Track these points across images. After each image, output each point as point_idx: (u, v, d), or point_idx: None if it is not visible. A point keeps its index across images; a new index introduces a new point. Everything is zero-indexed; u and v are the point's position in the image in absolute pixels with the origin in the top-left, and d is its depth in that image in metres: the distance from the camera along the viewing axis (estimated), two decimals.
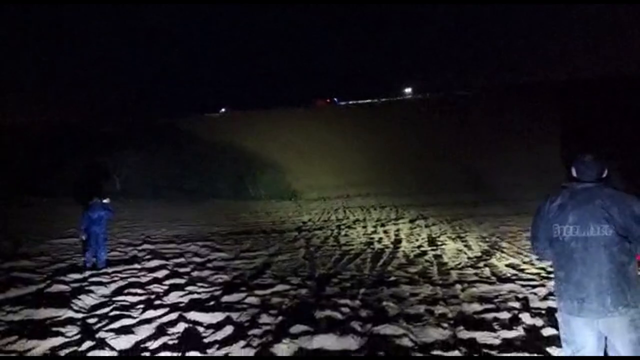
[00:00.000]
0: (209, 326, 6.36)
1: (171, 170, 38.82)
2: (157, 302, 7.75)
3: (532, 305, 7.35)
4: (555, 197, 3.57)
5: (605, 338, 3.44)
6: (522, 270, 10.24)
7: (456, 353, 5.23)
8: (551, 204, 3.54)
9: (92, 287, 8.75)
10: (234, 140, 47.01)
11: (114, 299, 7.97)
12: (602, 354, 3.46)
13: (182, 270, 10.66)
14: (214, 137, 47.27)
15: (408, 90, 79.15)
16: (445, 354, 5.24)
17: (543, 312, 6.93)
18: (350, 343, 5.58)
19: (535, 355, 4.72)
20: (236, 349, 5.42)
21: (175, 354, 5.20)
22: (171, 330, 6.16)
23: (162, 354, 5.28)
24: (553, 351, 5.21)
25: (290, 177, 41.41)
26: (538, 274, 9.80)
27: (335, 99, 78.16)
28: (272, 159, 44.16)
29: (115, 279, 9.58)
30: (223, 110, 76.24)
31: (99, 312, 7.17)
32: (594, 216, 3.36)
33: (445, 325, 6.33)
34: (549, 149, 42.29)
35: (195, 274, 10.24)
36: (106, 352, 5.33)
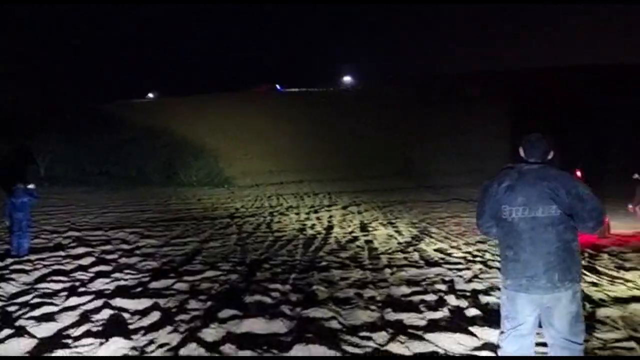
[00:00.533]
0: (135, 312, 6.24)
1: (99, 155, 37.66)
2: (82, 289, 7.55)
3: (457, 287, 7.57)
4: (503, 178, 3.64)
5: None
6: (449, 255, 10.54)
7: (383, 334, 5.34)
8: (500, 185, 3.61)
9: (14, 275, 8.46)
10: (163, 125, 45.89)
11: (36, 286, 7.73)
12: (536, 329, 3.63)
13: (109, 257, 10.43)
14: (142, 122, 45.99)
15: (347, 78, 78.99)
16: (373, 334, 5.34)
17: (468, 294, 7.16)
18: (279, 326, 5.60)
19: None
20: (162, 335, 5.35)
21: (99, 340, 5.09)
22: (95, 317, 6.01)
23: (85, 340, 5.16)
24: (476, 330, 5.39)
25: (223, 164, 40.98)
26: (464, 257, 10.11)
27: (278, 86, 76.48)
28: (203, 144, 43.49)
29: (38, 266, 9.29)
30: (150, 95, 72.61)
31: (19, 300, 6.92)
32: (541, 197, 3.48)
33: (374, 307, 6.44)
34: (478, 138, 43.49)
35: (122, 260, 10.04)
36: (26, 340, 5.17)
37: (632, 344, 5.11)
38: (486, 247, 11.44)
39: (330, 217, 18.78)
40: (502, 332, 3.73)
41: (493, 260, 9.69)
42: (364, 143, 47.50)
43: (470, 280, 7.98)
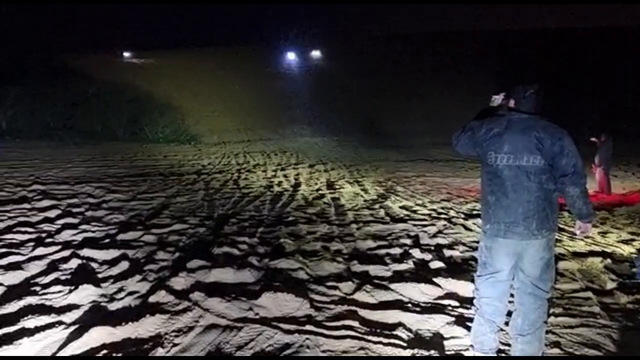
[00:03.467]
0: (103, 262, 6.25)
1: (63, 110, 36.76)
2: (49, 240, 7.48)
3: (422, 242, 7.75)
4: (491, 124, 3.71)
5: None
6: (414, 212, 10.70)
7: (349, 284, 5.46)
8: (489, 132, 3.68)
9: None
10: (127, 80, 44.87)
11: (2, 237, 7.62)
12: (512, 277, 3.77)
13: (75, 210, 10.29)
14: (105, 77, 44.80)
15: (316, 53, 73.66)
16: (339, 284, 5.46)
17: (432, 248, 7.33)
18: (247, 276, 5.68)
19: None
20: (132, 283, 5.39)
21: (68, 287, 5.11)
22: (63, 266, 6.00)
23: (54, 288, 5.16)
24: (439, 281, 5.55)
25: (190, 121, 40.46)
26: (429, 214, 10.28)
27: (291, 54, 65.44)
28: (170, 101, 42.78)
29: (3, 218, 9.12)
30: (126, 54, 66.87)
31: None
32: (528, 146, 3.56)
33: (340, 259, 6.56)
34: (444, 100, 43.74)
35: (89, 213, 9.94)
36: None
37: (589, 294, 5.34)
38: (450, 205, 11.66)
39: (297, 174, 18.82)
40: (479, 276, 3.85)
41: (457, 217, 9.89)
42: (331, 103, 47.33)
43: (434, 236, 8.17)
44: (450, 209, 11.09)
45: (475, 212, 10.34)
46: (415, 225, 9.04)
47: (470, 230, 8.61)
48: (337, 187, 15.33)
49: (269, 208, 11.16)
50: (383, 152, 29.38)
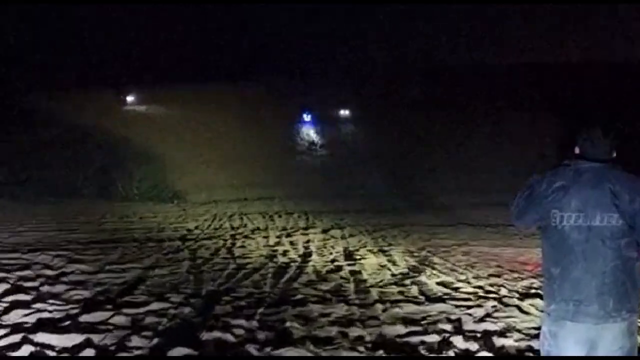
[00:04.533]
0: (62, 350, 6.23)
1: (14, 159, 37.17)
2: None
3: (465, 327, 7.66)
4: (554, 176, 3.61)
5: None
6: (456, 289, 10.61)
7: None
8: (550, 185, 3.57)
9: None
10: (97, 123, 45.13)
11: None
12: None
13: (28, 284, 10.30)
14: (70, 117, 45.11)
15: (344, 112, 73.04)
16: None
17: (479, 335, 7.25)
18: None
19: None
20: None
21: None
22: (13, 354, 5.98)
23: None
24: None
25: (173, 174, 40.75)
26: (475, 293, 10.20)
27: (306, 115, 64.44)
28: (147, 149, 43.05)
29: None
30: (130, 99, 64.21)
31: None
32: (601, 203, 3.44)
33: (362, 349, 6.50)
34: (479, 151, 43.96)
35: (45, 289, 9.94)
36: None
37: None
38: (501, 282, 11.57)
39: (307, 242, 18.81)
40: None
41: (510, 297, 9.79)
42: (348, 153, 47.64)
43: (481, 320, 8.08)
44: (501, 286, 10.99)
45: (533, 291, 10.24)
46: (456, 306, 8.97)
47: (527, 313, 8.52)
48: (358, 257, 15.29)
49: (272, 283, 11.14)
50: (414, 214, 29.37)
